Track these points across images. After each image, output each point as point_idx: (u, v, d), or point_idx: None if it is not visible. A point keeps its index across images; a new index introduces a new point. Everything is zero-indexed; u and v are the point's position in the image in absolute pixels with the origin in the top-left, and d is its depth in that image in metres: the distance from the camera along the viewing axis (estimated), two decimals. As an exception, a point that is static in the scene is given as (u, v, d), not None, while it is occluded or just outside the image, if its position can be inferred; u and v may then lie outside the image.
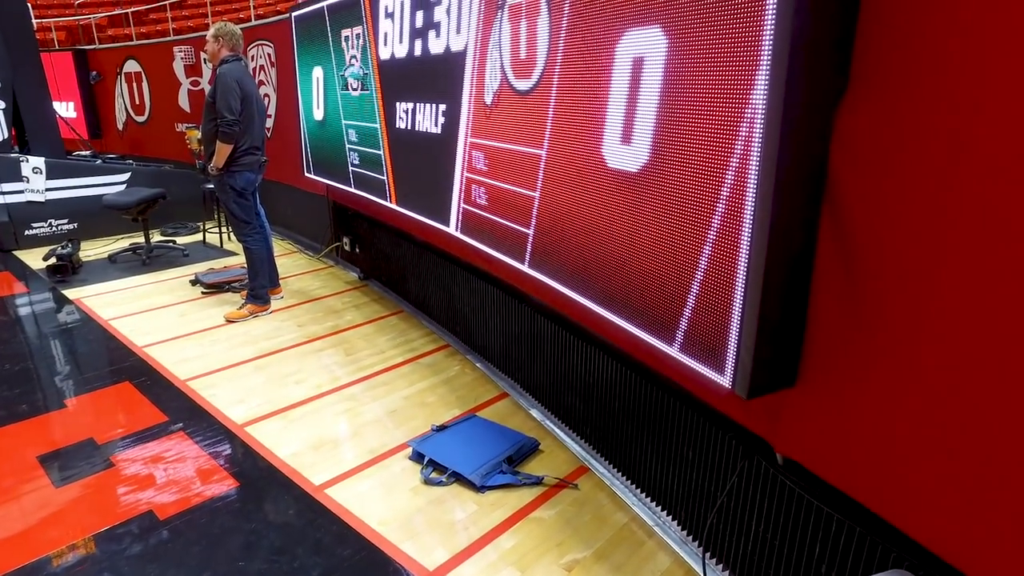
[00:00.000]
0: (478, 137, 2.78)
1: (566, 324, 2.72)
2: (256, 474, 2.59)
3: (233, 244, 6.01)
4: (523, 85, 2.39)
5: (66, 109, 8.60)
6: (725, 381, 1.63)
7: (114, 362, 3.61)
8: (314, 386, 3.31)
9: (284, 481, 2.54)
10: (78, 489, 2.47)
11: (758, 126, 1.44)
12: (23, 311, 4.44)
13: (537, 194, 2.39)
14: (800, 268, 1.52)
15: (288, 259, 5.63)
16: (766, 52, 1.39)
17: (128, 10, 9.44)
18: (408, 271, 4.27)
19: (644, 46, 1.76)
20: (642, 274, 1.88)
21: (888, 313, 1.37)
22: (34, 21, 6.53)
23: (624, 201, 1.91)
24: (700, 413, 2.06)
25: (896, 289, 1.35)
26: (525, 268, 2.55)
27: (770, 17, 1.37)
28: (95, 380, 3.38)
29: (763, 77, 1.40)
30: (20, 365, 3.54)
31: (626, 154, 1.88)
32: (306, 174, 5.19)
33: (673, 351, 1.82)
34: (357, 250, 4.98)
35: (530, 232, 2.47)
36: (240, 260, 5.45)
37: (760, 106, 1.42)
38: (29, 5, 6.17)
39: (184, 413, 3.03)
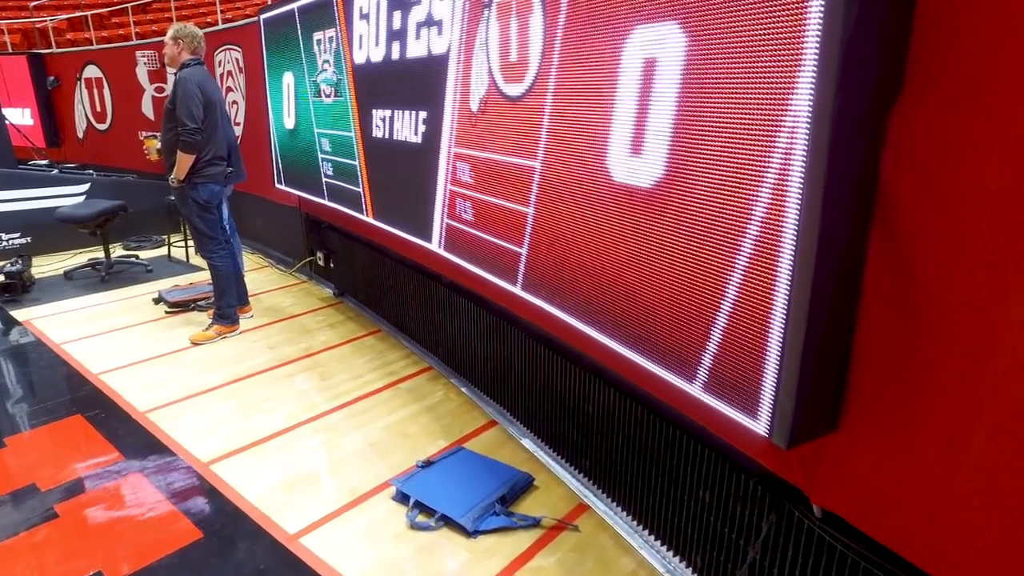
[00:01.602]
0: (463, 147, 2.57)
1: (562, 350, 2.51)
2: (223, 521, 2.33)
3: (200, 259, 5.69)
4: (514, 90, 2.18)
5: (21, 116, 8.18)
6: (760, 428, 1.44)
7: (65, 392, 3.31)
8: (287, 415, 3.05)
9: (254, 529, 2.28)
10: (12, 547, 2.18)
11: (800, 137, 1.24)
12: (-33, 335, 4.10)
13: (531, 210, 2.18)
14: (847, 296, 1.33)
15: (258, 274, 5.34)
16: (811, 52, 1.20)
17: (87, 13, 9.03)
18: (386, 288, 4.02)
19: (658, 46, 1.57)
20: (656, 302, 1.68)
21: (949, 346, 1.19)
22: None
23: (634, 219, 1.71)
24: (718, 452, 1.87)
25: (959, 319, 1.17)
26: (517, 290, 2.34)
27: (816, 9, 1.18)
28: (42, 414, 3.07)
29: (807, 80, 1.21)
30: (-42, 397, 3.23)
31: (636, 167, 1.68)
32: (277, 185, 4.92)
33: (694, 390, 1.62)
34: (332, 265, 4.72)
35: (523, 251, 2.26)
36: (208, 275, 5.15)
37: (803, 114, 1.23)
38: (-25, 6, 5.80)
39: (142, 450, 2.75)
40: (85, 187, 6.11)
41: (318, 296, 4.80)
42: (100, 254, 5.45)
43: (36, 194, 5.82)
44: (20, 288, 4.63)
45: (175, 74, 3.73)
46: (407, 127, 3.01)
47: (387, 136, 3.21)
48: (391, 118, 3.16)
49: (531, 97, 2.08)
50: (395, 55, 3.03)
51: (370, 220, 3.54)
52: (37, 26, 9.18)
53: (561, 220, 2.01)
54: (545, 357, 2.63)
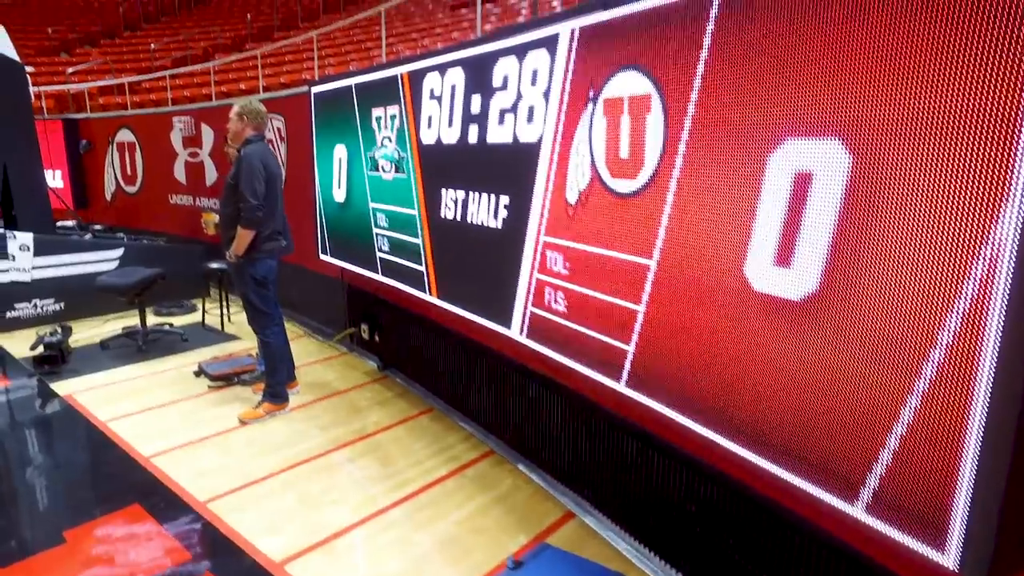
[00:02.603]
0: (556, 236, 2.54)
1: (661, 447, 2.41)
2: (305, 632, 2.19)
3: (235, 327, 5.63)
4: (624, 187, 2.16)
5: (52, 178, 8.23)
6: (948, 562, 1.35)
7: (119, 478, 3.18)
8: (353, 508, 2.92)
9: (342, 643, 2.14)
10: (94, 665, 2.04)
11: (1005, 266, 1.20)
12: (1, 413, 3.98)
13: (642, 308, 2.12)
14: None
15: (296, 344, 5.23)
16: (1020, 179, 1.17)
17: (125, 80, 9.23)
18: (441, 365, 3.93)
19: (813, 161, 1.55)
20: (808, 415, 1.61)
21: None
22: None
23: (781, 330, 1.66)
24: (860, 564, 1.76)
25: None
26: (620, 387, 2.26)
27: (1030, 144, 1.15)
28: (98, 503, 2.94)
29: (1016, 208, 1.18)
30: (3, 485, 3.09)
31: (783, 279, 1.64)
32: (321, 256, 4.90)
33: (856, 511, 1.53)
34: (376, 338, 4.64)
35: (630, 348, 2.20)
36: (246, 346, 5.07)
37: (1010, 243, 1.19)
38: (28, 79, 5.90)
39: (211, 548, 2.61)
40: (118, 252, 6.08)
41: (361, 370, 4.70)
42: (132, 320, 5.39)
43: (70, 260, 5.79)
44: (60, 360, 4.53)
45: (238, 150, 3.74)
46: (484, 211, 3.00)
47: (459, 218, 3.19)
48: (465, 200, 3.14)
49: (646, 195, 2.06)
50: (472, 139, 3.04)
51: (434, 300, 3.49)
52: (72, 92, 9.36)
53: (684, 322, 1.95)
54: (636, 450, 2.53)
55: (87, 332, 5.45)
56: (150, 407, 3.98)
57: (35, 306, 5.57)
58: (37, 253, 5.53)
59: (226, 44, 12.50)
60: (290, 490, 3.06)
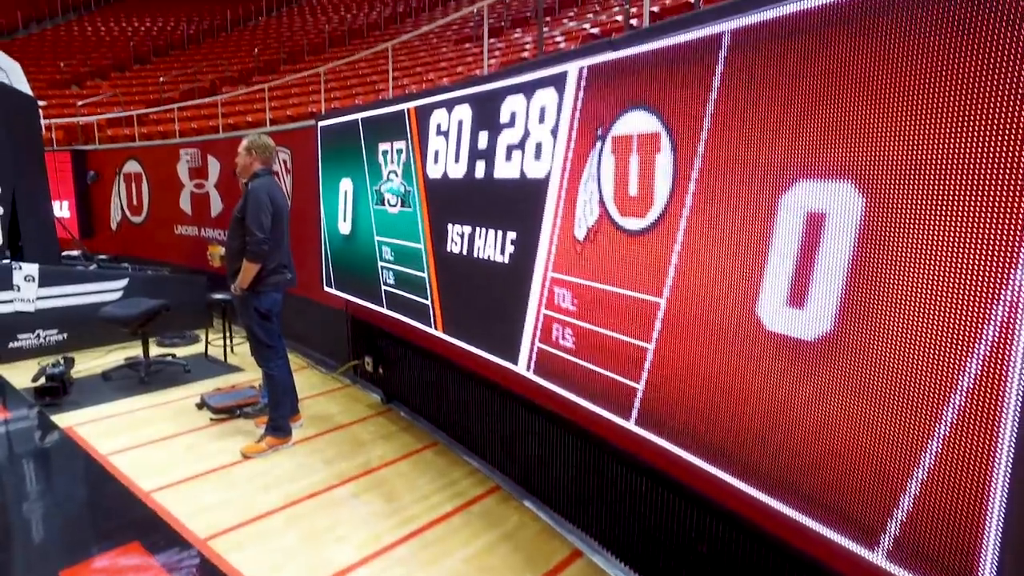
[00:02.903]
0: (563, 273, 2.53)
1: (671, 485, 2.37)
2: None
3: (238, 358, 5.61)
4: (633, 224, 2.17)
5: (59, 208, 8.29)
6: (975, 615, 1.31)
7: (118, 513, 3.13)
8: (357, 545, 2.87)
9: None
10: None
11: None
12: (1, 445, 3.94)
13: (652, 346, 2.11)
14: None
15: (299, 376, 5.17)
16: (1038, 228, 1.17)
17: (133, 112, 9.36)
18: (447, 399, 3.90)
19: (825, 202, 1.55)
20: (823, 458, 1.59)
21: None
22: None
23: (795, 370, 1.64)
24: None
25: None
26: (630, 425, 2.24)
27: (1046, 189, 1.15)
28: (96, 540, 2.89)
29: (1034, 256, 1.18)
30: None
31: (796, 319, 1.63)
32: (325, 288, 4.90)
33: (876, 558, 1.50)
34: (381, 370, 4.62)
35: (639, 386, 2.18)
36: (249, 377, 5.05)
37: (1029, 289, 1.19)
38: (40, 112, 5.98)
39: (210, 589, 2.56)
40: (123, 283, 6.09)
41: (365, 403, 4.67)
42: (135, 350, 5.37)
43: (75, 290, 5.80)
44: (61, 392, 4.50)
45: (245, 183, 3.77)
46: (491, 246, 3.00)
47: (465, 253, 3.19)
48: (472, 235, 3.15)
49: (656, 233, 2.06)
50: (479, 174, 3.06)
51: (439, 334, 3.48)
52: (81, 123, 9.49)
53: (696, 361, 1.94)
54: (646, 488, 2.49)
55: (89, 362, 5.42)
56: (152, 440, 3.94)
57: (38, 337, 5.55)
58: (42, 284, 5.54)
59: (233, 77, 12.70)
60: (293, 526, 3.01)
